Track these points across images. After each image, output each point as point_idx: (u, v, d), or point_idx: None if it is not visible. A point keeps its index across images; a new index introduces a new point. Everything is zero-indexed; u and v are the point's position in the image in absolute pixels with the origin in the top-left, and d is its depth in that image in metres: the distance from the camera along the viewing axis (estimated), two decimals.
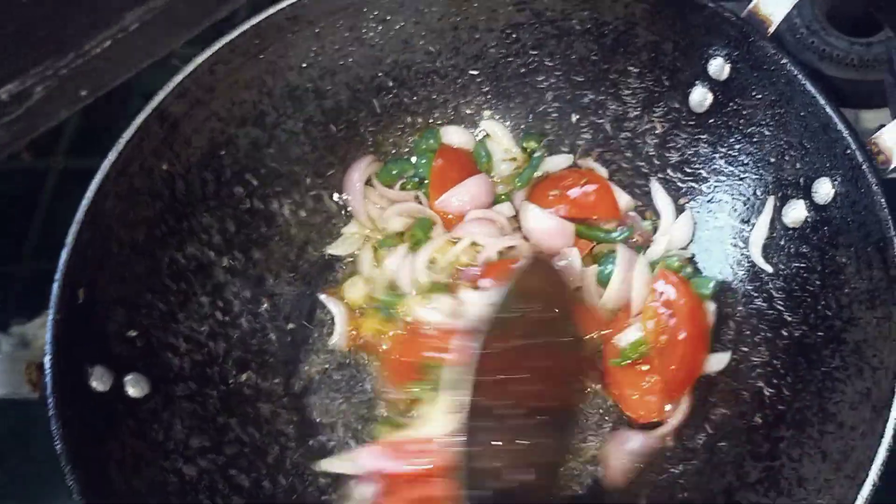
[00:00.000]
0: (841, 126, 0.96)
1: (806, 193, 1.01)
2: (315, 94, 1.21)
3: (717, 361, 1.07)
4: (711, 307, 1.11)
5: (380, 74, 1.24)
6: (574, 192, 1.20)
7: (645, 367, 1.07)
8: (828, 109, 0.97)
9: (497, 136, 1.29)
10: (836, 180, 0.97)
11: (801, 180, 1.02)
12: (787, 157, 1.04)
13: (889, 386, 0.83)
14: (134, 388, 1.00)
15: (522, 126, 1.28)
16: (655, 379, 1.06)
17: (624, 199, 1.21)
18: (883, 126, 0.97)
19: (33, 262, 1.43)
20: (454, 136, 1.28)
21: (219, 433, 1.07)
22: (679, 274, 1.12)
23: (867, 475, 0.79)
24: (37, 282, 1.40)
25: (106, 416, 0.96)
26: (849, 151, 0.94)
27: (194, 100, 1.10)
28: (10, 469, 1.17)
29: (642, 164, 1.21)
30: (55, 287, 0.96)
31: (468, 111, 1.29)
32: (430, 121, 1.29)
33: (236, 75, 1.13)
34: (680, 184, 1.18)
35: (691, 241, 1.18)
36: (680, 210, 1.19)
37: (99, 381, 0.96)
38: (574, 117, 1.25)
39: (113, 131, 1.05)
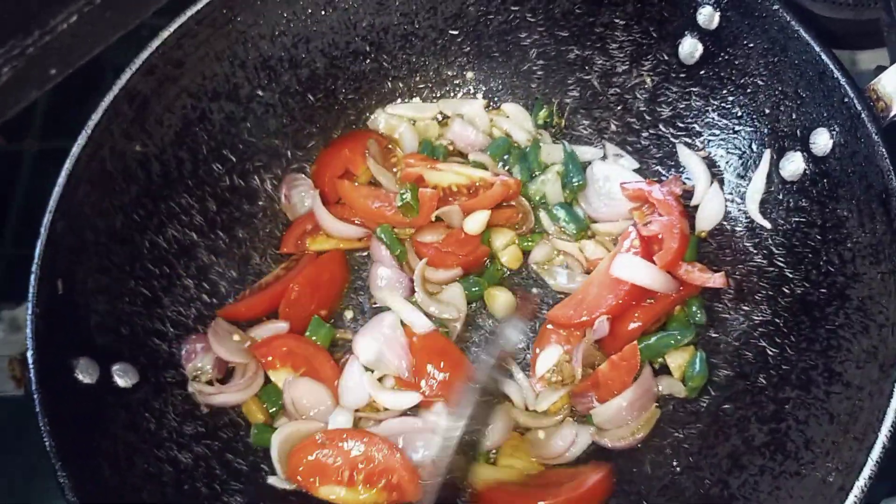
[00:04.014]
0: (838, 74, 0.93)
1: (803, 145, 0.98)
2: (290, 63, 1.16)
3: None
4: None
5: (356, 39, 1.19)
6: None
7: None
8: (823, 56, 0.94)
9: (514, 115, 1.24)
10: (833, 130, 0.94)
11: (798, 131, 0.99)
12: (782, 108, 1.01)
13: None
14: (122, 378, 0.98)
15: (507, 86, 1.24)
16: None
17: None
18: (881, 68, 0.93)
19: (15, 248, 1.40)
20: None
21: (213, 417, 1.05)
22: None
23: (877, 436, 0.77)
24: (21, 266, 1.37)
25: (95, 409, 0.94)
26: (846, 100, 0.91)
27: (163, 76, 1.06)
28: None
29: (633, 120, 1.17)
30: (32, 280, 0.93)
31: (450, 73, 1.25)
32: (411, 85, 1.25)
33: (206, 48, 1.08)
34: (672, 139, 1.14)
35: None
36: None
37: (85, 374, 0.94)
38: (560, 74, 1.21)
39: (86, 110, 1.01)
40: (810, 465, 0.84)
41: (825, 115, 0.95)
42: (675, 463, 0.98)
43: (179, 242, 1.10)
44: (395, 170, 1.21)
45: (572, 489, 0.97)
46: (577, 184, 1.16)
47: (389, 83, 1.24)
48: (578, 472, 1.01)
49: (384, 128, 1.24)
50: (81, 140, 0.99)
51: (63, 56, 1.40)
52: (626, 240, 1.08)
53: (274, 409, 1.08)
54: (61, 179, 0.97)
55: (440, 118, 1.26)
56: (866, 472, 0.76)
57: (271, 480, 1.03)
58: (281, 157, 1.20)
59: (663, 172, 1.16)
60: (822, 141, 0.95)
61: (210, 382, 1.06)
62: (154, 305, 1.06)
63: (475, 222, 1.12)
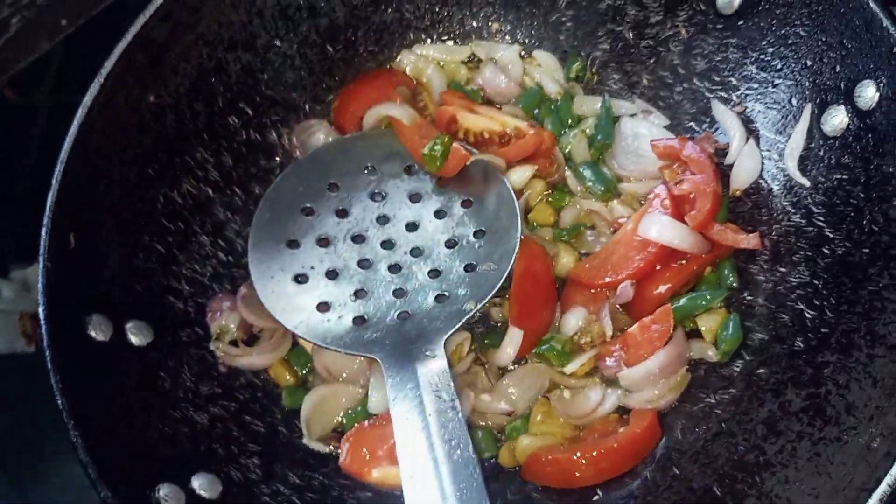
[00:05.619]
0: (887, 22, 0.88)
1: (847, 98, 0.93)
2: (309, 11, 1.12)
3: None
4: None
5: None
6: None
7: None
8: (871, 4, 0.90)
9: (546, 65, 1.19)
10: (881, 82, 0.89)
11: (842, 84, 0.94)
12: (825, 60, 0.96)
13: None
14: (136, 336, 0.95)
15: (535, 38, 1.19)
16: None
17: None
18: None
19: (28, 206, 1.37)
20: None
21: (229, 379, 1.02)
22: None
23: None
24: (34, 226, 1.35)
25: (108, 367, 0.91)
26: None
27: (178, 23, 1.02)
28: (12, 428, 1.12)
29: (666, 73, 1.13)
30: (43, 233, 0.90)
31: (474, 24, 1.20)
32: (434, 37, 1.20)
33: None
34: (707, 94, 1.09)
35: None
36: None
37: (98, 331, 0.91)
38: (590, 25, 1.16)
39: (102, 63, 0.98)
40: (852, 430, 0.80)
41: (872, 66, 0.90)
42: (706, 428, 0.95)
43: (194, 198, 1.07)
44: (425, 114, 1.17)
45: (622, 437, 0.95)
46: (601, 141, 1.11)
47: (412, 34, 1.19)
48: (623, 422, 0.98)
49: (411, 70, 1.19)
50: (94, 89, 0.95)
51: (74, 6, 1.36)
52: (655, 199, 1.04)
53: (304, 370, 1.06)
54: (73, 129, 0.94)
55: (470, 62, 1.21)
56: None
57: (305, 441, 1.01)
58: (298, 112, 1.16)
59: (696, 129, 1.11)
60: (867, 94, 0.91)
61: (234, 343, 1.03)
62: (169, 262, 1.03)
63: (518, 177, 1.09)
